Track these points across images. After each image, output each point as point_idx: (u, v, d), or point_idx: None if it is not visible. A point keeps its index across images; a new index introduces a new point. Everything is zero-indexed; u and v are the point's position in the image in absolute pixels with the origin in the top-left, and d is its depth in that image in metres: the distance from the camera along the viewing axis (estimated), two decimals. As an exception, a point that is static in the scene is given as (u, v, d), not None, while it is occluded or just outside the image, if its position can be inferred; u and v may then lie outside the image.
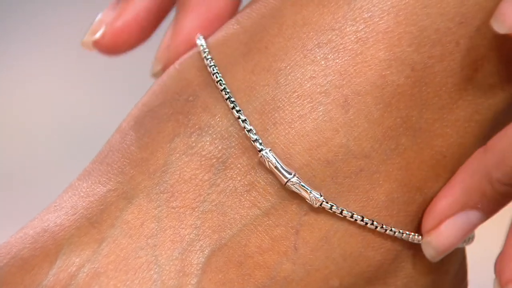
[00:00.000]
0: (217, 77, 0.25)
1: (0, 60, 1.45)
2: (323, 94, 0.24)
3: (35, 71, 1.50)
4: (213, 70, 0.25)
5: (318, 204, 0.24)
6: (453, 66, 0.24)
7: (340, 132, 0.24)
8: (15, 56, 1.52)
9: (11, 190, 1.22)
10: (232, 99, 0.24)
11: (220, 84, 0.24)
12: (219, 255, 0.24)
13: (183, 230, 0.24)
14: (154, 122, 0.25)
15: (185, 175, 0.24)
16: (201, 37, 0.26)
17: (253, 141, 0.24)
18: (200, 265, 0.24)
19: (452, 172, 0.25)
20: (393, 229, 0.24)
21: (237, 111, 0.24)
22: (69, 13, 1.59)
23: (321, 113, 0.24)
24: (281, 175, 0.24)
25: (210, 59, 0.25)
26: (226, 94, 0.24)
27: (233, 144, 0.24)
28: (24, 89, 1.47)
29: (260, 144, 0.24)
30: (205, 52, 0.25)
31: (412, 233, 0.25)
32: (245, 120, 0.24)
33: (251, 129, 0.24)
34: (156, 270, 0.24)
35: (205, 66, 0.25)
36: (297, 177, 0.24)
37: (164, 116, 0.25)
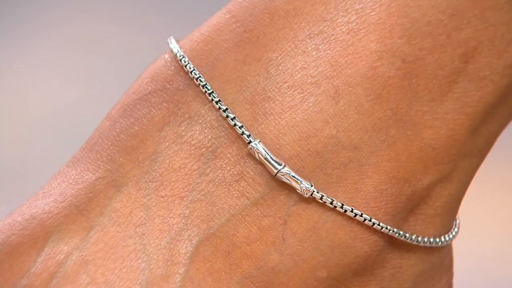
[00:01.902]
0: (196, 74, 0.25)
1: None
2: (313, 85, 0.24)
3: (34, 69, 1.50)
4: (190, 67, 0.25)
5: (309, 194, 0.24)
6: (444, 58, 0.24)
7: (330, 123, 0.24)
8: (14, 54, 1.52)
9: (10, 188, 1.22)
10: (215, 94, 0.24)
11: (201, 81, 0.25)
12: (207, 244, 0.24)
13: (172, 219, 0.24)
14: (144, 110, 0.25)
15: (174, 164, 0.24)
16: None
17: (241, 133, 0.24)
18: (188, 254, 0.24)
19: (441, 164, 0.25)
20: (381, 224, 0.24)
21: (224, 110, 0.24)
22: (67, 13, 1.59)
23: (311, 104, 0.24)
24: (271, 166, 0.24)
25: (187, 61, 0.25)
26: (207, 91, 0.24)
27: (223, 133, 0.24)
28: (23, 87, 1.47)
29: (249, 136, 0.24)
30: (181, 55, 0.25)
31: (400, 231, 0.25)
32: (226, 109, 0.24)
33: (235, 123, 0.24)
34: (144, 259, 0.24)
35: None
36: (287, 168, 0.24)
37: (154, 105, 0.25)
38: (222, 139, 0.24)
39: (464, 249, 1.25)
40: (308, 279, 0.24)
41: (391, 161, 0.24)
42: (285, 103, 0.24)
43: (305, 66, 0.24)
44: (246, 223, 0.24)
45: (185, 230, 0.24)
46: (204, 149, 0.24)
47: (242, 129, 0.24)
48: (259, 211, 0.24)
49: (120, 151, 0.25)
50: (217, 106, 0.24)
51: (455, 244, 0.28)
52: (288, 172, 0.24)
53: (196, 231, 0.24)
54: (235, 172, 0.24)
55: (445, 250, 0.27)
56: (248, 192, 0.24)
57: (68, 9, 1.57)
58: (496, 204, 1.31)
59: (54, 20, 1.55)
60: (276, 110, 0.24)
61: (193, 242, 0.24)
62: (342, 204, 0.24)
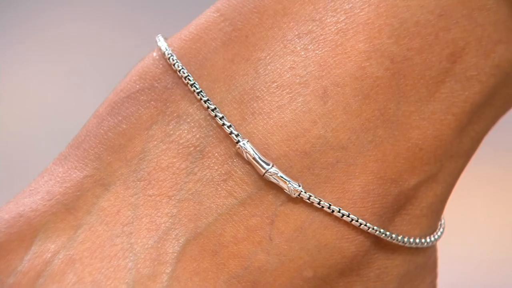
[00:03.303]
0: (184, 73, 0.25)
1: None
2: (302, 85, 0.24)
3: (31, 70, 1.49)
4: (178, 66, 0.25)
5: (296, 194, 0.24)
6: (432, 58, 0.24)
7: (318, 123, 0.24)
8: (13, 54, 1.51)
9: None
10: (203, 93, 0.24)
11: (189, 80, 0.24)
12: (194, 244, 0.24)
13: (159, 218, 0.24)
14: (132, 108, 0.25)
15: (162, 163, 0.24)
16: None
17: (229, 133, 0.24)
18: (175, 254, 0.24)
19: (428, 164, 0.25)
20: (367, 224, 0.24)
21: (213, 109, 0.24)
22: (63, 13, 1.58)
23: (299, 104, 0.24)
24: (259, 166, 0.24)
25: (175, 60, 0.25)
26: (196, 90, 0.24)
27: (211, 133, 0.24)
28: (21, 87, 1.47)
29: (237, 135, 0.24)
30: (169, 55, 0.25)
31: (387, 232, 0.25)
32: (214, 108, 0.24)
33: (224, 122, 0.24)
34: (131, 258, 0.24)
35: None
36: (275, 168, 0.24)
37: (142, 103, 0.25)
38: (210, 138, 0.24)
39: (449, 249, 1.26)
40: (294, 279, 0.24)
41: (378, 161, 0.24)
42: (273, 102, 0.24)
43: (293, 66, 0.24)
44: (233, 222, 0.24)
45: (172, 230, 0.24)
46: (192, 148, 0.24)
47: (231, 128, 0.24)
48: (246, 211, 0.24)
49: (108, 149, 0.25)
50: (205, 105, 0.24)
51: (439, 245, 0.28)
52: (276, 172, 0.24)
53: (184, 231, 0.24)
54: (223, 172, 0.24)
55: (430, 251, 0.27)
56: (235, 192, 0.24)
57: (60, 10, 1.57)
58: (480, 205, 1.32)
59: (46, 21, 1.55)
60: (264, 110, 0.24)
61: (180, 241, 0.24)
62: (330, 205, 0.24)
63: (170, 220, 0.24)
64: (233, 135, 0.24)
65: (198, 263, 0.24)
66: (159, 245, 0.24)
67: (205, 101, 0.24)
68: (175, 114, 0.25)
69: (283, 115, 0.24)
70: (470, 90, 0.25)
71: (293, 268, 0.24)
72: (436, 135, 0.25)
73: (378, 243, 0.25)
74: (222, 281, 0.24)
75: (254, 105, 0.24)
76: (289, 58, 0.24)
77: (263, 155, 0.24)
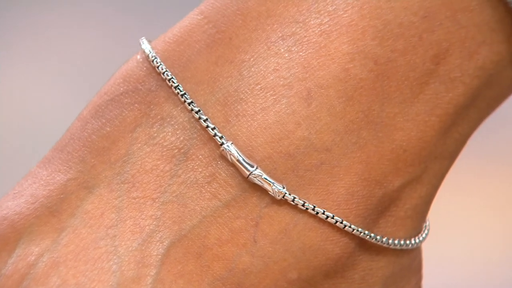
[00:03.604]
0: (168, 75, 0.25)
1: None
2: (286, 86, 0.24)
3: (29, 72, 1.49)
4: (162, 68, 0.25)
5: (281, 196, 0.24)
6: (416, 60, 0.24)
7: (302, 125, 0.24)
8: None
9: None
10: (187, 95, 0.24)
11: (173, 82, 0.24)
12: (179, 246, 0.24)
13: (143, 220, 0.24)
14: (116, 111, 0.25)
15: (146, 166, 0.24)
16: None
17: (213, 135, 0.24)
18: (160, 256, 0.24)
19: (412, 166, 0.25)
20: (352, 226, 0.24)
21: (197, 112, 0.24)
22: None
23: (283, 106, 0.24)
24: (243, 168, 0.24)
25: (159, 62, 0.25)
26: (179, 92, 0.24)
27: (195, 135, 0.24)
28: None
29: (221, 138, 0.24)
30: (153, 56, 0.25)
31: (371, 233, 0.25)
32: (198, 111, 0.24)
33: (208, 125, 0.24)
34: (116, 260, 0.24)
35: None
36: (260, 170, 0.24)
37: (126, 106, 0.25)
38: (194, 140, 0.24)
39: (434, 251, 1.26)
40: (279, 281, 0.24)
41: (363, 163, 0.24)
42: (257, 105, 0.24)
43: (277, 68, 0.24)
44: (217, 224, 0.24)
45: (156, 232, 0.24)
46: (176, 151, 0.24)
47: (215, 130, 0.24)
48: (230, 213, 0.24)
49: (92, 152, 0.25)
50: (189, 107, 0.24)
51: (424, 246, 0.28)
52: (260, 174, 0.24)
53: (168, 233, 0.24)
54: (207, 174, 0.24)
55: (415, 252, 0.27)
56: (220, 194, 0.24)
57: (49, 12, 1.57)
58: (464, 206, 1.32)
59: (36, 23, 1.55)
60: (248, 112, 0.24)
61: (165, 244, 0.24)
62: (314, 206, 0.24)
63: (154, 222, 0.24)
64: (217, 137, 0.24)
65: (182, 266, 0.24)
66: (143, 248, 0.24)
67: (189, 104, 0.24)
68: (159, 117, 0.25)
69: (267, 117, 0.24)
70: (454, 92, 0.25)
71: (277, 270, 0.24)
72: (420, 136, 0.25)
73: (363, 245, 0.25)
74: (206, 283, 0.24)
75: (238, 107, 0.24)
76: (273, 60, 0.24)
77: (247, 157, 0.24)
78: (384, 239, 0.25)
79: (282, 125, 0.24)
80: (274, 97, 0.24)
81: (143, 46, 0.26)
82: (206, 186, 0.24)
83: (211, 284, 0.24)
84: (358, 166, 0.24)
